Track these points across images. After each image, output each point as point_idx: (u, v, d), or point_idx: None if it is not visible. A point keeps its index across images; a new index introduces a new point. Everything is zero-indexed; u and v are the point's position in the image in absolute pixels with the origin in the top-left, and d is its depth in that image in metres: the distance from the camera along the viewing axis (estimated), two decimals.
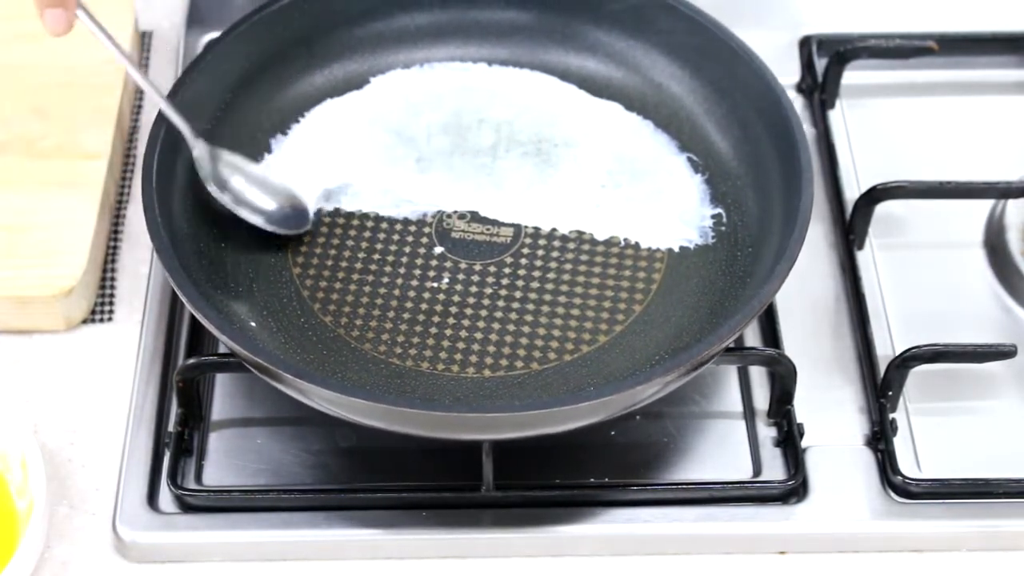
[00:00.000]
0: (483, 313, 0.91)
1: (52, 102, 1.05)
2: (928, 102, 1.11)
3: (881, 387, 0.92)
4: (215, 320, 0.84)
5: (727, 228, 0.96)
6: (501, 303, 0.92)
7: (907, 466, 0.89)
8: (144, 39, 1.13)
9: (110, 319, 0.98)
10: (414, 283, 0.93)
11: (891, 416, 0.91)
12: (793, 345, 0.94)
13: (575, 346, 0.90)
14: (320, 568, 0.87)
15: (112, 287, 0.99)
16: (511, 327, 0.91)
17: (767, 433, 0.92)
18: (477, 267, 0.94)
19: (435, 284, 0.93)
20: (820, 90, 1.09)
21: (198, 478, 0.90)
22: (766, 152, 0.95)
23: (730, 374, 0.95)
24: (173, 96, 0.94)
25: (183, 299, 0.85)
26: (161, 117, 0.92)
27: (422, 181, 0.98)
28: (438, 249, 0.95)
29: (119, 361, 0.95)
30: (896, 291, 0.99)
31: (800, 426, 0.90)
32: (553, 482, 0.89)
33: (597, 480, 0.90)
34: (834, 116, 1.08)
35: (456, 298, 0.92)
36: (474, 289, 0.93)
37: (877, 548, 0.88)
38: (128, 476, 0.89)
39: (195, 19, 1.13)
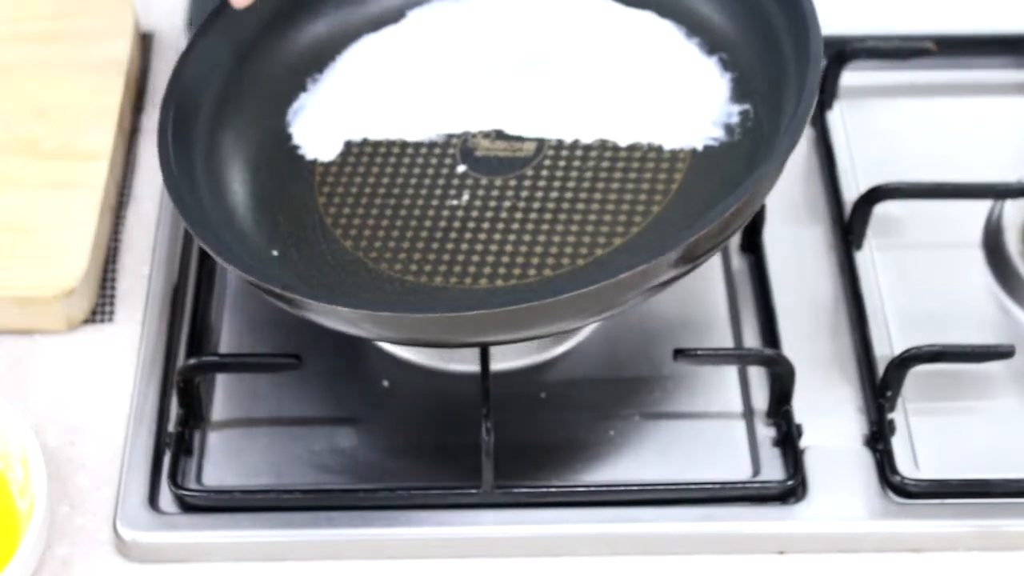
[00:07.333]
0: (500, 226, 0.89)
1: (52, 102, 1.05)
2: (927, 102, 1.11)
3: (880, 387, 0.92)
4: (219, 248, 0.83)
5: (753, 123, 0.93)
6: (519, 215, 0.90)
7: (905, 466, 0.89)
8: (145, 40, 1.13)
9: (111, 319, 0.98)
10: (434, 202, 0.91)
11: (890, 416, 0.91)
12: (792, 345, 0.94)
13: (589, 250, 0.88)
14: (320, 568, 0.87)
15: (113, 287, 1.00)
16: (527, 237, 0.89)
17: (766, 433, 0.92)
18: (498, 182, 0.92)
19: (455, 201, 0.91)
20: (819, 90, 1.09)
21: (199, 478, 0.90)
22: (776, 25, 0.92)
23: (729, 374, 0.95)
24: (205, 27, 0.93)
25: (192, 233, 0.85)
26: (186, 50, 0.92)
27: (449, 103, 0.96)
28: (460, 168, 0.93)
29: (120, 361, 0.95)
30: (895, 291, 0.99)
31: (799, 426, 0.90)
32: (553, 482, 0.89)
33: (597, 480, 0.90)
34: (833, 117, 1.08)
35: (475, 213, 0.90)
36: (493, 203, 0.91)
37: (876, 548, 0.88)
38: (129, 476, 0.89)
39: (195, 20, 1.12)
